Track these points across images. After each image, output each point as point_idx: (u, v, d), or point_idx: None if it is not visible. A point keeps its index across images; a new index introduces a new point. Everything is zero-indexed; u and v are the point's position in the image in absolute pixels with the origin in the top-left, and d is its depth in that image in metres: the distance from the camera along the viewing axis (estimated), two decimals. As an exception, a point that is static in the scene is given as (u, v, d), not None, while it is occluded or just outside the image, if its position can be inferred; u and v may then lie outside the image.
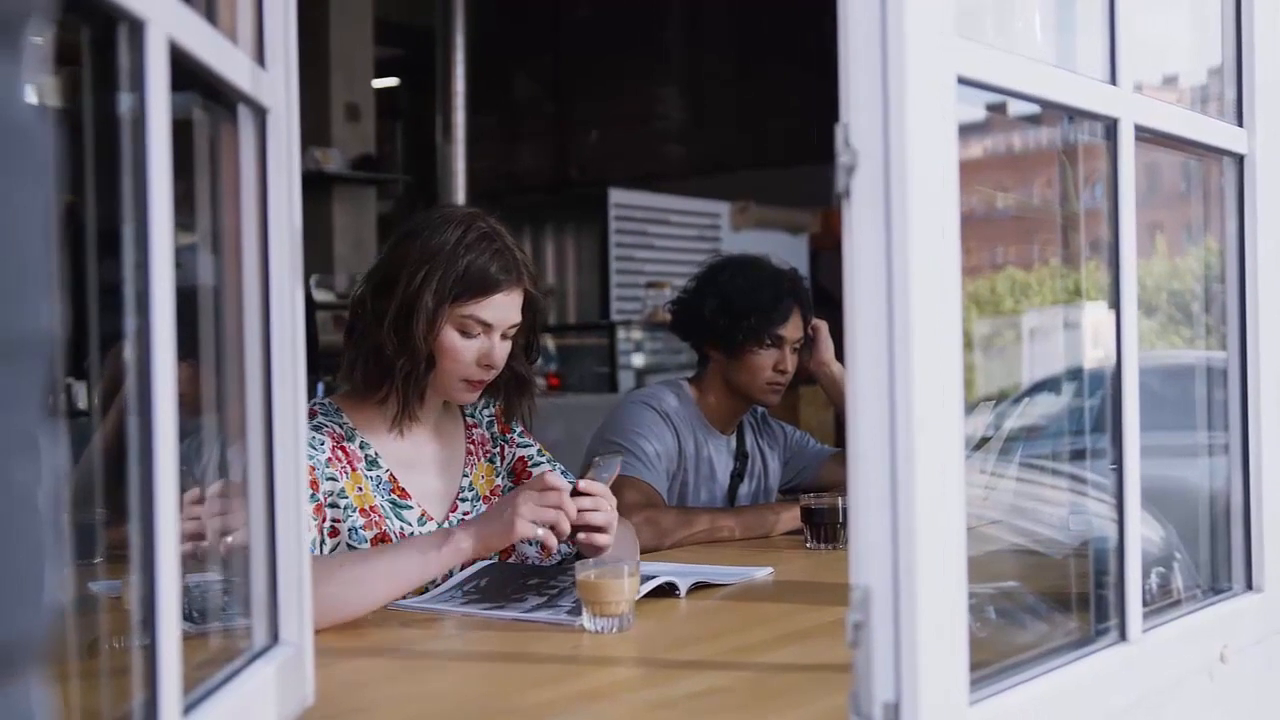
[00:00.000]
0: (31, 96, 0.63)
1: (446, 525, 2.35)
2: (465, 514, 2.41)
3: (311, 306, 5.26)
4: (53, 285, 0.63)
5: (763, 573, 2.45)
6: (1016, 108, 1.62)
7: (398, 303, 2.27)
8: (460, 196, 8.85)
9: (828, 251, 8.60)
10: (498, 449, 2.53)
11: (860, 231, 1.24)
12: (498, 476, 2.51)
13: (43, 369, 0.62)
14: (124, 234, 1.05)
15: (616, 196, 8.64)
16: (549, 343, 8.23)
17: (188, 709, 1.11)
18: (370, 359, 2.31)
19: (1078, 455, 2.02)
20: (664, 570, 2.29)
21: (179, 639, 1.05)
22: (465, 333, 2.30)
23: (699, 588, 2.28)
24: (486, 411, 2.54)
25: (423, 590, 2.20)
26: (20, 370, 0.59)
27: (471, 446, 2.49)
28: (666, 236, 8.79)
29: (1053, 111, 1.67)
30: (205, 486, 1.52)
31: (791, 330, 3.13)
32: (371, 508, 2.28)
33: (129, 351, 1.04)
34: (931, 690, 1.22)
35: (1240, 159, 1.90)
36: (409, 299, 2.26)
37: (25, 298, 0.60)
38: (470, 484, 2.46)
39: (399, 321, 2.27)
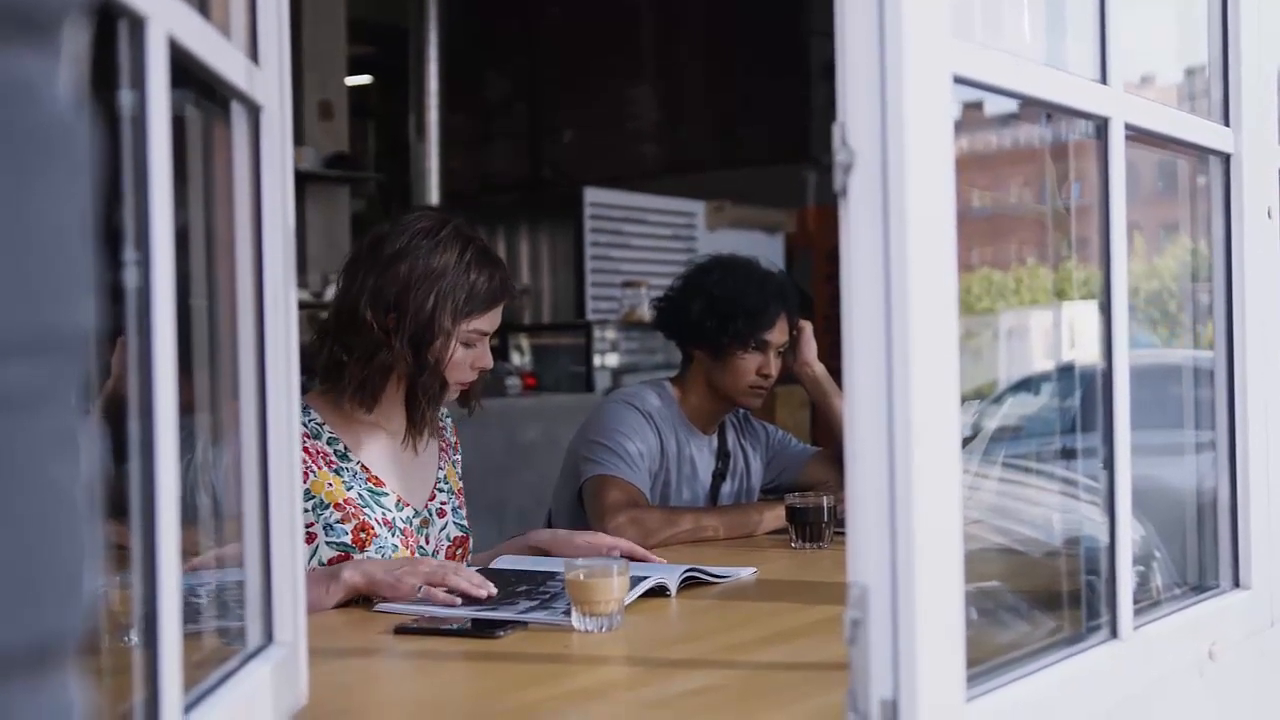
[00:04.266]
0: (69, 92, 0.63)
1: (424, 511, 2.46)
2: (442, 503, 2.51)
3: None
4: (91, 281, 0.63)
5: (748, 572, 2.46)
6: (993, 106, 1.62)
7: (411, 324, 2.34)
8: (434, 196, 8.83)
9: (803, 251, 8.61)
10: (457, 456, 2.65)
11: (857, 230, 1.24)
12: (459, 480, 2.62)
13: (80, 365, 0.62)
14: (121, 230, 1.05)
15: (591, 196, 8.62)
16: (524, 342, 8.22)
17: (187, 708, 1.10)
18: (379, 376, 2.37)
19: (1061, 454, 2.03)
20: (653, 570, 2.29)
21: (180, 639, 1.05)
22: (466, 345, 2.40)
23: (689, 585, 2.29)
24: (449, 418, 2.64)
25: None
26: (59, 367, 0.59)
27: (443, 444, 2.59)
28: (642, 236, 8.78)
29: (1034, 110, 1.67)
30: (195, 480, 1.52)
31: (777, 335, 3.13)
32: (346, 500, 2.34)
33: (130, 349, 1.04)
34: (929, 687, 1.22)
35: (1226, 158, 1.91)
36: (425, 321, 2.34)
37: (64, 293, 0.60)
38: (445, 476, 2.56)
39: (415, 343, 2.35)
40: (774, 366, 3.14)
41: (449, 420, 2.64)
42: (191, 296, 1.39)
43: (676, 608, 2.18)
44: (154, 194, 1.04)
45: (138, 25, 1.03)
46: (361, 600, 2.18)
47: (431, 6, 8.78)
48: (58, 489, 0.59)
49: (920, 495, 1.22)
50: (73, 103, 0.63)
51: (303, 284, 7.39)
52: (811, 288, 7.46)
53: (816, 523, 2.74)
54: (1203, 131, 1.87)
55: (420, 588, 2.12)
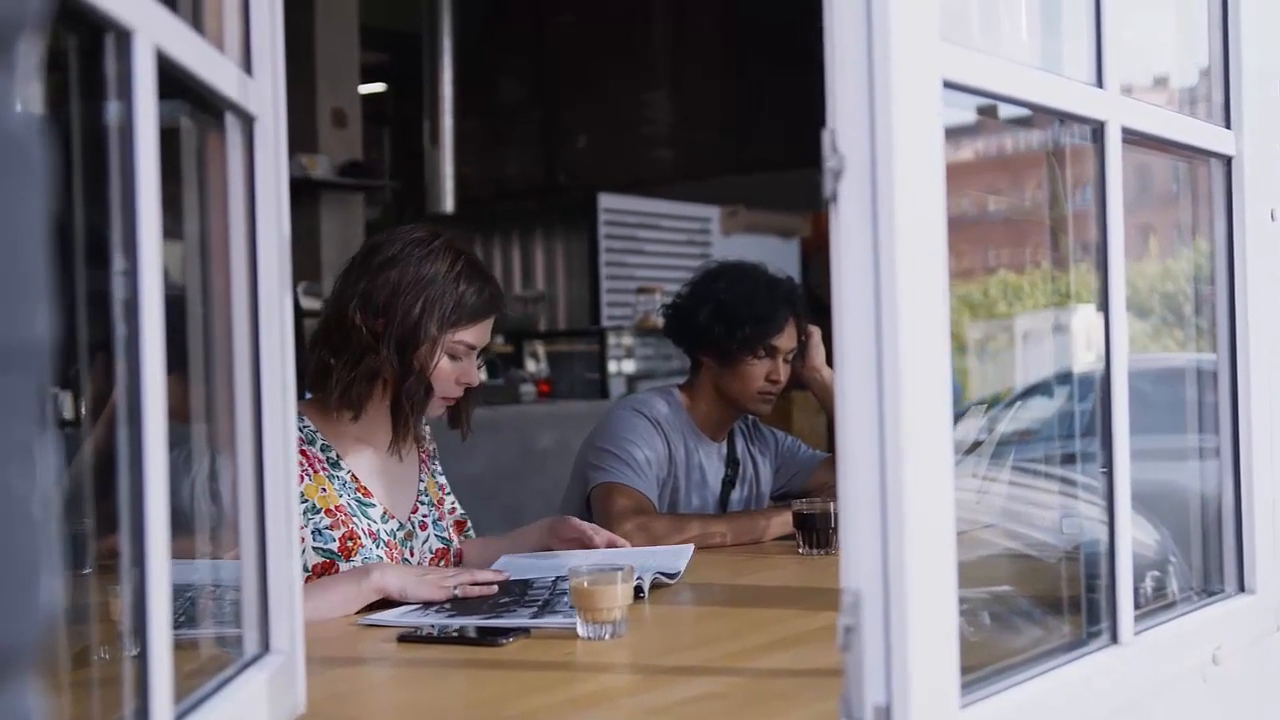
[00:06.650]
0: (25, 106, 0.64)
1: (409, 524, 2.49)
2: (424, 516, 2.54)
3: (299, 314, 5.28)
4: (49, 294, 0.63)
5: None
6: (1007, 110, 1.62)
7: (398, 329, 2.36)
8: (448, 203, 8.84)
9: (819, 255, 8.59)
10: (436, 464, 2.67)
11: (848, 235, 1.24)
12: (437, 489, 2.64)
13: (39, 378, 0.62)
14: (112, 242, 1.05)
15: (606, 201, 8.62)
16: (538, 349, 8.22)
17: (180, 717, 1.11)
18: (365, 381, 2.39)
19: (1070, 459, 2.02)
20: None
21: (170, 648, 1.05)
22: (453, 357, 2.42)
23: (656, 587, 2.32)
24: (426, 427, 2.67)
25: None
26: (17, 379, 0.60)
27: (423, 454, 2.62)
28: (657, 241, 8.77)
29: (1041, 114, 1.67)
30: (196, 497, 1.52)
31: (785, 341, 3.12)
32: (337, 507, 2.37)
33: (118, 361, 1.04)
34: (922, 693, 1.22)
35: (1228, 160, 1.90)
36: (410, 327, 2.37)
37: (22, 306, 0.61)
38: (425, 489, 2.59)
39: (400, 348, 2.37)
40: (783, 372, 3.13)
41: (427, 428, 2.66)
42: (188, 306, 1.40)
43: (679, 615, 2.18)
44: (141, 206, 1.05)
45: (124, 38, 1.04)
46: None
47: (444, 13, 8.80)
48: (14, 500, 0.60)
49: (912, 501, 1.21)
50: (28, 117, 0.64)
51: (316, 293, 7.39)
52: (825, 292, 7.45)
53: (823, 528, 2.74)
54: (1203, 134, 1.86)
55: (455, 587, 2.21)
